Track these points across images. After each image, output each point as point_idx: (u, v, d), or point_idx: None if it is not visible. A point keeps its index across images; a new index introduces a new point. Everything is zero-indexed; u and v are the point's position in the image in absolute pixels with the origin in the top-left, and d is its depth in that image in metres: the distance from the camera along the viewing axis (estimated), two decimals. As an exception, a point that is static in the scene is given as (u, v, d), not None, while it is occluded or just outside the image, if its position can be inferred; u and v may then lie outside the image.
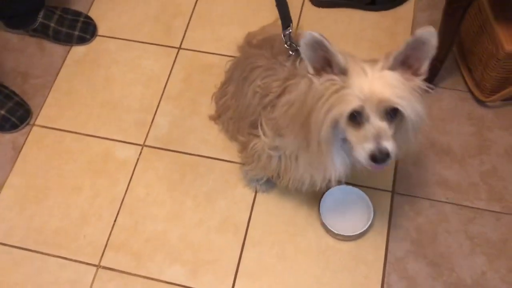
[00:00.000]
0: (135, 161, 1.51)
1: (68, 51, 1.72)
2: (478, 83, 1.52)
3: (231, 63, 1.46)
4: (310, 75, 0.91)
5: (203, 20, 1.76)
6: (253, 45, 1.34)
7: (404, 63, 0.89)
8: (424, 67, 0.89)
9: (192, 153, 1.52)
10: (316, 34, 0.84)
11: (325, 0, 1.74)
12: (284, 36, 1.13)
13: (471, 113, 1.54)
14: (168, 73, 1.67)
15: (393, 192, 1.43)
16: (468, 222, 1.38)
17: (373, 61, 0.90)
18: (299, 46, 0.95)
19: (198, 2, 1.80)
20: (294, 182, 1.18)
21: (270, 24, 1.58)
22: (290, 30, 1.13)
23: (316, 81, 0.90)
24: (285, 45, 1.13)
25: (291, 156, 1.10)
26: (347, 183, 1.41)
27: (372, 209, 1.36)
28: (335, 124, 0.91)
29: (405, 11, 1.73)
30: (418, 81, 0.90)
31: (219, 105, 1.48)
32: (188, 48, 1.71)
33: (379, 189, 1.43)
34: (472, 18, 1.47)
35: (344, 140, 0.97)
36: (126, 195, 1.46)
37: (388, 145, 0.88)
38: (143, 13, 1.79)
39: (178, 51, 1.71)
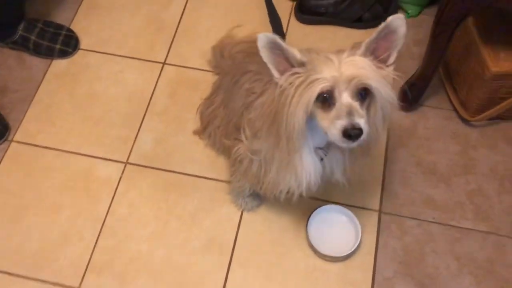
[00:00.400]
0: (118, 179, 1.47)
1: (49, 65, 1.68)
2: (463, 102, 1.53)
3: (221, 74, 1.45)
4: (275, 78, 0.91)
5: (189, 35, 1.74)
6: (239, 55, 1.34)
7: (373, 53, 0.90)
8: (393, 57, 0.91)
9: (177, 171, 1.49)
10: (269, 35, 0.86)
11: (310, 17, 1.74)
12: None
13: (457, 132, 1.55)
14: (153, 89, 1.64)
15: (380, 211, 1.43)
16: (455, 242, 1.38)
17: (339, 51, 0.90)
18: None
19: (183, 17, 1.78)
20: (272, 188, 1.17)
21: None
22: None
23: (281, 80, 0.90)
24: None
25: (268, 158, 1.09)
26: (335, 202, 1.40)
27: (360, 229, 1.35)
28: (306, 111, 0.89)
29: None
30: (388, 70, 0.91)
31: (205, 115, 1.46)
32: (173, 63, 1.69)
33: (366, 209, 1.42)
34: (458, 38, 1.48)
35: (316, 149, 0.99)
36: (108, 214, 1.42)
37: (360, 121, 0.87)
38: (127, 27, 1.76)
39: (163, 66, 1.68)
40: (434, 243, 1.38)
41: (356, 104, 0.88)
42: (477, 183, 1.47)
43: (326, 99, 0.89)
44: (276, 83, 0.92)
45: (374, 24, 1.74)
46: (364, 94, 0.89)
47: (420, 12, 1.77)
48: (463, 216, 1.42)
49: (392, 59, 0.91)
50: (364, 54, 0.89)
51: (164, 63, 1.69)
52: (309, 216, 1.36)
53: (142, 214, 1.42)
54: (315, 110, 0.91)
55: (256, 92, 1.09)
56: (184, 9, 1.80)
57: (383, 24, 0.87)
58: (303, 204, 1.38)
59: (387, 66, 0.92)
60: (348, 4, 1.70)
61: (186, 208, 1.43)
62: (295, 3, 1.78)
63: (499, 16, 1.38)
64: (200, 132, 1.50)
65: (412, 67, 1.54)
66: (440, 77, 1.61)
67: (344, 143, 0.90)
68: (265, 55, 0.88)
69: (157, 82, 1.65)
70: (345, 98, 0.88)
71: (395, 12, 1.77)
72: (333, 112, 0.88)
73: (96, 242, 1.38)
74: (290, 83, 0.89)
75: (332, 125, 0.89)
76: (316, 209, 1.37)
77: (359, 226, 1.35)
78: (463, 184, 1.47)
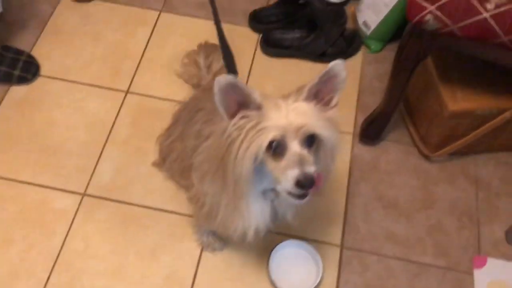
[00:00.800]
0: (74, 211, 1.42)
1: (7, 91, 1.62)
2: (423, 138, 1.56)
3: (180, 105, 1.44)
4: (225, 121, 0.90)
5: (153, 64, 1.72)
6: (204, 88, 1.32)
7: (316, 96, 0.92)
8: (336, 99, 0.93)
9: (137, 203, 1.45)
10: (230, 78, 0.85)
11: (276, 50, 1.75)
12: None
13: (417, 167, 1.57)
14: (114, 117, 1.60)
15: (342, 246, 1.42)
16: (414, 278, 1.38)
17: (286, 96, 0.92)
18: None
19: (148, 46, 1.76)
20: (222, 230, 1.15)
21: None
22: None
23: (231, 123, 0.90)
24: None
25: (215, 202, 1.08)
26: (297, 237, 1.39)
27: (321, 264, 1.34)
28: (255, 159, 0.90)
29: (353, 64, 1.78)
30: (331, 112, 0.93)
31: (164, 146, 1.43)
32: (136, 92, 1.66)
33: (328, 243, 1.42)
34: (418, 76, 1.51)
35: (265, 191, 0.99)
36: (63, 248, 1.36)
37: (312, 170, 0.88)
38: (90, 54, 1.73)
39: (126, 94, 1.66)
40: (395, 279, 1.38)
41: (306, 153, 0.89)
42: (437, 218, 1.48)
43: (275, 147, 0.88)
44: (224, 128, 0.91)
45: (338, 59, 1.76)
46: (311, 139, 0.90)
47: (382, 48, 1.81)
48: (423, 252, 1.43)
49: (334, 101, 0.93)
50: (307, 99, 0.90)
51: (127, 92, 1.66)
52: (271, 252, 1.34)
53: (98, 249, 1.37)
54: (265, 158, 0.90)
55: (204, 135, 1.08)
56: (149, 37, 1.79)
57: (324, 70, 0.89)
58: (264, 239, 1.36)
59: (331, 108, 0.93)
60: (312, 39, 1.73)
61: (145, 242, 1.39)
62: (260, 35, 1.79)
63: (457, 56, 1.42)
64: (159, 164, 1.47)
65: (374, 102, 1.57)
66: (401, 112, 1.64)
67: (296, 196, 0.91)
68: (219, 98, 0.87)
69: (119, 111, 1.62)
70: (295, 147, 0.88)
71: (358, 47, 1.81)
72: (284, 162, 0.89)
73: (48, 279, 1.32)
74: (239, 127, 0.88)
75: (283, 175, 0.89)
76: (277, 244, 1.35)
77: (320, 262, 1.34)
78: (423, 219, 1.48)
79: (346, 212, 1.48)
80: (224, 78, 0.85)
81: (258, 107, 0.88)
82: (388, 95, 1.42)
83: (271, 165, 0.91)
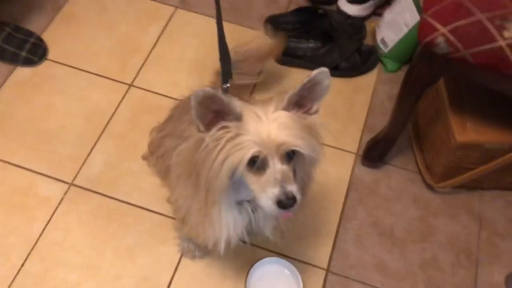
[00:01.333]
0: (59, 200, 1.40)
1: (12, 72, 1.62)
2: (429, 166, 1.48)
3: (179, 101, 1.41)
4: (200, 132, 0.87)
5: (161, 61, 1.69)
6: None
7: (297, 103, 0.88)
8: (317, 106, 0.90)
9: (123, 199, 1.41)
10: (206, 90, 0.81)
11: (288, 59, 1.70)
12: (221, 90, 1.08)
13: (419, 196, 1.49)
14: (114, 109, 1.58)
15: (327, 270, 1.35)
16: (401, 313, 1.31)
17: (265, 102, 0.88)
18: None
19: (158, 42, 1.73)
20: (194, 237, 1.12)
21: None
22: (228, 85, 1.08)
23: (208, 134, 0.86)
24: None
25: (186, 206, 1.05)
26: (281, 254, 1.33)
27: (302, 286, 1.27)
28: (233, 173, 0.87)
29: (366, 82, 1.71)
30: (312, 119, 0.90)
31: (155, 139, 1.41)
32: (140, 86, 1.63)
33: (313, 265, 1.35)
34: (430, 100, 1.44)
35: (241, 202, 0.95)
36: (41, 236, 1.34)
37: (293, 188, 0.86)
38: (100, 44, 1.71)
39: (129, 87, 1.63)
40: (379, 312, 1.30)
41: (287, 170, 0.86)
42: (432, 252, 1.40)
43: (255, 162, 0.85)
44: (201, 136, 0.87)
45: (351, 74, 1.71)
46: (292, 154, 0.87)
47: (399, 69, 1.73)
48: (413, 287, 1.34)
49: (315, 107, 0.90)
50: (287, 108, 0.87)
51: (131, 85, 1.64)
52: (250, 268, 1.29)
53: (77, 241, 1.34)
54: (244, 172, 0.87)
55: (184, 137, 1.04)
56: (161, 34, 1.76)
57: (306, 78, 0.86)
58: (246, 252, 1.31)
59: (311, 114, 0.90)
60: (326, 51, 1.67)
61: (124, 240, 1.35)
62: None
63: (471, 84, 1.34)
64: (147, 158, 1.44)
65: (382, 123, 1.49)
66: (409, 136, 1.56)
67: (276, 213, 0.88)
68: (197, 111, 0.83)
69: (120, 103, 1.59)
70: (276, 164, 0.85)
71: (374, 64, 1.74)
72: (264, 178, 0.86)
73: (22, 266, 1.29)
74: (217, 138, 0.85)
75: (263, 193, 0.86)
76: (258, 261, 1.30)
77: (301, 284, 1.27)
78: (418, 252, 1.40)
79: (337, 234, 1.41)
80: (202, 91, 0.81)
81: (237, 118, 0.84)
82: (393, 117, 1.35)
83: (251, 179, 0.88)
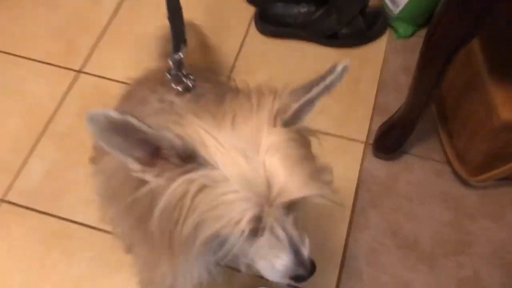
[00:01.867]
0: (-15, 221, 1.11)
1: None
2: (460, 154, 1.20)
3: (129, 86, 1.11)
4: (137, 172, 0.58)
5: (116, 41, 1.41)
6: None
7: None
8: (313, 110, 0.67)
9: (67, 217, 1.14)
10: (111, 115, 0.52)
11: (274, 28, 1.40)
12: (171, 61, 0.78)
13: (449, 193, 1.21)
14: (58, 103, 1.30)
15: (335, 298, 1.05)
16: None
17: (252, 104, 0.61)
18: (191, 77, 0.75)
19: (114, 19, 1.44)
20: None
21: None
22: (181, 55, 0.78)
23: (152, 174, 0.58)
24: (167, 74, 0.78)
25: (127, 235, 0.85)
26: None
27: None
28: (213, 240, 0.60)
29: (374, 52, 1.43)
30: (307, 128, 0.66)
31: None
32: (91, 72, 1.35)
33: (316, 293, 1.05)
34: (460, 70, 1.14)
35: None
36: (-41, 272, 1.05)
37: (307, 251, 0.65)
38: (43, 24, 1.43)
39: (77, 74, 1.34)
40: None
41: (292, 226, 0.62)
42: (473, 268, 1.12)
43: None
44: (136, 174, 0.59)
45: (354, 43, 1.42)
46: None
47: (413, 33, 1.45)
48: (449, 316, 1.04)
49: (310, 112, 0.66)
50: (290, 122, 0.62)
51: (79, 71, 1.34)
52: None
53: (6, 277, 1.06)
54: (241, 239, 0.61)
55: None
56: (119, 6, 1.46)
57: (329, 78, 0.62)
58: (241, 278, 1.04)
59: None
60: (321, 15, 1.37)
61: (69, 272, 1.07)
62: (256, 9, 1.43)
63: (516, 43, 1.03)
64: (97, 160, 1.15)
65: (397, 102, 1.22)
66: (433, 118, 1.27)
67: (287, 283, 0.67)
68: (107, 141, 0.55)
69: (66, 94, 1.31)
70: (279, 219, 0.60)
71: (382, 30, 1.46)
72: (263, 242, 0.62)
73: None
74: (180, 185, 0.57)
75: (268, 263, 0.64)
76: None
77: (300, 321, 0.97)
78: (453, 268, 1.12)
79: (346, 249, 1.13)
80: (102, 116, 0.53)
81: (188, 157, 0.57)
82: (412, 95, 1.07)
83: (242, 246, 0.62)
